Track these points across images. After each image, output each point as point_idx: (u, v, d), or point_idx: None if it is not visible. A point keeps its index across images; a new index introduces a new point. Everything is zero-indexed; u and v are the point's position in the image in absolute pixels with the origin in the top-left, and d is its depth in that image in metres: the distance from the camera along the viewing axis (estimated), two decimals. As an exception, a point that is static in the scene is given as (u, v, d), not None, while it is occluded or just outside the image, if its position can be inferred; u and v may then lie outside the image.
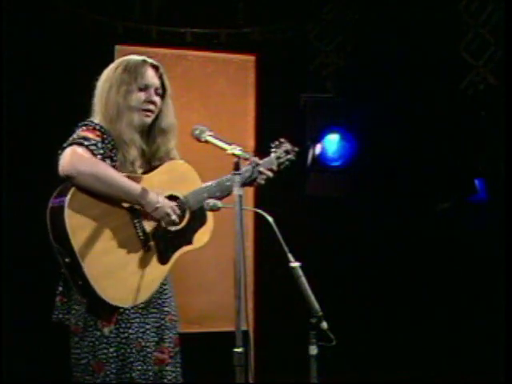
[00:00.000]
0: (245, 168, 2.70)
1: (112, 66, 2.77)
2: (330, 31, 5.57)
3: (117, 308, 2.59)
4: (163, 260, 2.70)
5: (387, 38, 5.33)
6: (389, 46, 5.33)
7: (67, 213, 2.47)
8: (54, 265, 2.63)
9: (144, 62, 2.75)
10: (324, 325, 2.25)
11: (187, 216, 2.76)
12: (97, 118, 2.70)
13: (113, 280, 2.56)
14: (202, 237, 2.81)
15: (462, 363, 5.01)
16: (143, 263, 2.64)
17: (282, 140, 3.09)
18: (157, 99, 2.75)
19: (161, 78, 2.78)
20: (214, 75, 4.94)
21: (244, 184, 2.74)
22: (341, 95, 5.50)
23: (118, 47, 4.60)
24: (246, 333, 2.32)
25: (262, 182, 2.96)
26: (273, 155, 3.03)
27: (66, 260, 2.51)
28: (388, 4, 5.32)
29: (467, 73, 5.13)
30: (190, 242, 2.79)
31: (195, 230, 2.79)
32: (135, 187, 2.59)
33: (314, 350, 2.26)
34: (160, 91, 2.77)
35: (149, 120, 2.75)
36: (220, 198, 2.84)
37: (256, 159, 2.60)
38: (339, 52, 5.56)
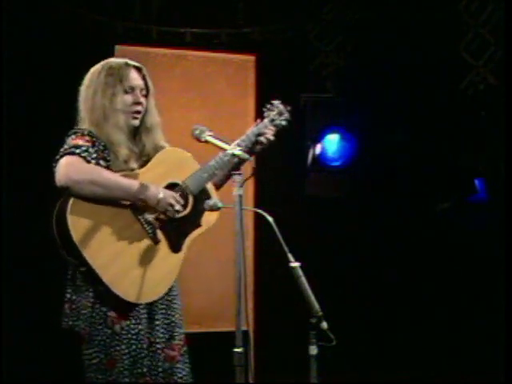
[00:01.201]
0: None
1: (93, 70, 2.78)
2: (329, 31, 5.56)
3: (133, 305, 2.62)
4: (176, 248, 2.71)
5: (387, 38, 5.33)
6: (389, 46, 5.32)
7: (71, 225, 2.48)
8: (54, 265, 2.63)
9: (127, 64, 2.76)
10: (324, 325, 2.25)
11: (191, 200, 2.75)
12: (84, 124, 2.71)
13: (131, 279, 2.58)
14: (210, 217, 2.79)
15: (461, 363, 5.01)
16: (156, 256, 2.65)
17: (273, 102, 2.99)
18: (143, 100, 2.76)
19: (144, 78, 2.79)
20: (214, 75, 4.94)
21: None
22: (341, 95, 5.49)
23: (117, 47, 4.60)
24: (246, 333, 2.32)
25: (263, 145, 2.88)
26: (266, 120, 2.92)
27: (82, 269, 2.54)
28: (388, 4, 5.32)
29: (467, 73, 5.13)
30: (199, 225, 2.78)
31: (202, 212, 2.77)
32: (134, 184, 2.59)
33: (314, 350, 2.26)
34: (144, 92, 2.78)
35: (137, 122, 2.76)
36: (226, 178, 2.84)
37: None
38: (339, 52, 5.55)
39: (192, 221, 2.76)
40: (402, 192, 5.53)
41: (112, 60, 2.80)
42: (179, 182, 2.74)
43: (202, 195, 2.74)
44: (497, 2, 4.94)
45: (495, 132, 4.73)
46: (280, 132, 2.95)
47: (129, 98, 2.72)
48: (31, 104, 4.72)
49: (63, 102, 4.61)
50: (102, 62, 2.79)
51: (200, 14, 5.33)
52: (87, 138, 2.63)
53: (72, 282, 2.64)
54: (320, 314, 2.25)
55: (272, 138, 2.89)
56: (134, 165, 2.71)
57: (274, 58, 5.31)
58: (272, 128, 2.91)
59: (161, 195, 2.61)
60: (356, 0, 5.48)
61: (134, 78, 2.74)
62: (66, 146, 2.59)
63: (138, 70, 2.77)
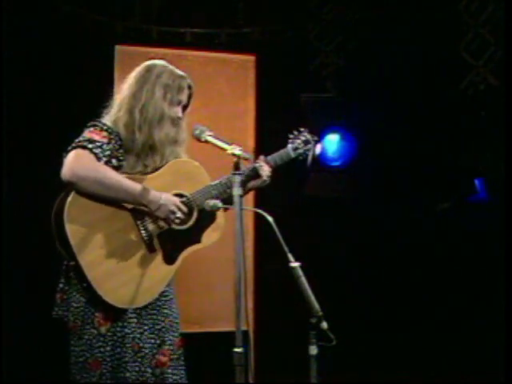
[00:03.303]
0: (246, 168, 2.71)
1: (149, 69, 2.76)
2: (330, 31, 5.57)
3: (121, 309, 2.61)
4: (169, 260, 2.70)
5: (387, 37, 5.33)
6: (389, 46, 5.32)
7: (67, 219, 2.49)
8: (54, 264, 2.63)
9: (184, 77, 2.80)
10: (324, 325, 2.25)
11: (195, 215, 2.74)
12: (112, 116, 2.69)
13: (116, 283, 2.57)
14: (211, 234, 2.79)
15: (462, 363, 5.01)
16: (148, 264, 2.64)
17: (302, 129, 3.00)
18: (181, 115, 2.80)
19: (189, 97, 2.83)
20: (214, 75, 4.93)
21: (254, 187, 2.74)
22: (341, 95, 5.49)
23: (118, 47, 4.59)
24: (245, 333, 2.32)
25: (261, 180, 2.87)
26: (289, 146, 2.93)
27: (71, 263, 2.55)
28: (388, 4, 5.31)
29: (467, 73, 5.12)
30: (198, 241, 2.77)
31: (204, 228, 2.77)
32: (137, 187, 2.58)
33: (314, 350, 2.26)
34: (183, 107, 2.82)
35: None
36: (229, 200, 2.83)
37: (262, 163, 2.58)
38: (339, 52, 5.56)
39: (192, 235, 2.75)
40: (402, 192, 5.53)
41: (168, 65, 2.80)
42: (187, 193, 2.73)
43: (207, 211, 2.69)
44: (497, 2, 4.94)
45: (495, 132, 4.72)
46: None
47: (176, 110, 2.75)
48: (31, 104, 4.72)
49: (63, 101, 4.66)
50: (157, 64, 2.78)
51: (200, 14, 5.34)
52: (105, 133, 2.63)
53: (65, 273, 2.65)
54: (320, 313, 2.25)
55: (269, 174, 2.87)
56: (149, 169, 2.71)
57: (274, 58, 5.31)
58: (295, 156, 2.92)
59: (162, 201, 2.60)
60: (356, 0, 5.48)
61: (185, 94, 2.79)
62: (80, 138, 2.60)
63: (189, 87, 2.81)
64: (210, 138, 2.62)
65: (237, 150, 2.50)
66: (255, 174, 2.86)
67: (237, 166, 2.44)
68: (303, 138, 2.99)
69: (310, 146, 2.99)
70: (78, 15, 5.03)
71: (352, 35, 5.51)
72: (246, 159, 2.51)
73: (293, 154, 2.95)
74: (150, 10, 5.30)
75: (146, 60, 2.83)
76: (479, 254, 5.21)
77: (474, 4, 5.08)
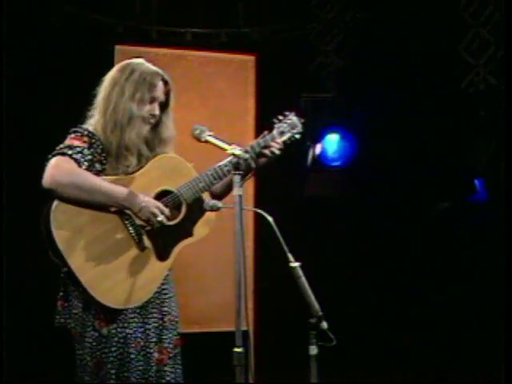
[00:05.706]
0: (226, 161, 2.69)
1: (121, 68, 2.74)
2: (329, 31, 5.57)
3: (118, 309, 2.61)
4: (162, 256, 2.69)
5: (387, 37, 5.33)
6: (389, 45, 5.33)
7: (53, 225, 2.49)
8: (54, 266, 2.63)
9: (158, 74, 2.73)
10: (324, 325, 2.25)
11: (184, 209, 2.73)
12: (93, 121, 2.69)
13: (109, 284, 2.57)
14: (203, 227, 2.77)
15: (462, 363, 5.01)
16: (140, 262, 2.63)
17: (287, 113, 2.92)
18: (158, 113, 2.74)
19: (167, 93, 2.76)
20: (214, 75, 4.94)
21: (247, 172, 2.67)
22: (341, 95, 5.50)
23: (118, 47, 4.59)
24: (245, 333, 2.32)
25: (272, 154, 2.80)
26: (275, 132, 2.85)
27: (65, 269, 2.55)
28: (388, 4, 5.32)
29: (467, 73, 5.13)
30: (190, 235, 2.75)
31: (195, 222, 2.75)
32: (117, 191, 2.57)
33: (313, 350, 2.26)
34: (162, 104, 2.76)
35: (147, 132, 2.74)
36: (226, 190, 2.81)
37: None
38: (339, 52, 5.56)
39: (183, 229, 2.73)
40: (402, 192, 5.53)
41: (143, 63, 2.75)
42: (173, 189, 2.71)
43: (197, 204, 2.70)
44: (497, 2, 4.94)
45: (495, 132, 4.72)
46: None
47: (149, 108, 2.70)
48: (32, 104, 4.72)
49: (63, 101, 4.66)
50: (131, 63, 2.74)
51: (200, 14, 5.34)
52: (85, 138, 2.62)
53: (63, 280, 2.65)
54: (320, 313, 2.25)
55: (278, 152, 2.81)
56: (130, 169, 2.69)
57: (274, 58, 5.31)
58: (279, 141, 2.83)
59: (143, 203, 2.58)
60: (356, 0, 5.48)
61: (160, 90, 2.72)
62: (61, 146, 2.59)
63: (165, 82, 2.75)
64: (210, 138, 2.62)
65: (237, 150, 2.50)
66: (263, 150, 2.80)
67: (237, 166, 2.43)
68: (289, 122, 2.89)
69: (297, 129, 2.89)
70: (78, 15, 5.03)
71: (352, 35, 5.52)
72: (245, 159, 2.51)
73: (278, 138, 2.84)
74: (149, 10, 5.31)
75: (146, 60, 2.82)
76: (479, 254, 5.21)
77: (473, 4, 5.08)
